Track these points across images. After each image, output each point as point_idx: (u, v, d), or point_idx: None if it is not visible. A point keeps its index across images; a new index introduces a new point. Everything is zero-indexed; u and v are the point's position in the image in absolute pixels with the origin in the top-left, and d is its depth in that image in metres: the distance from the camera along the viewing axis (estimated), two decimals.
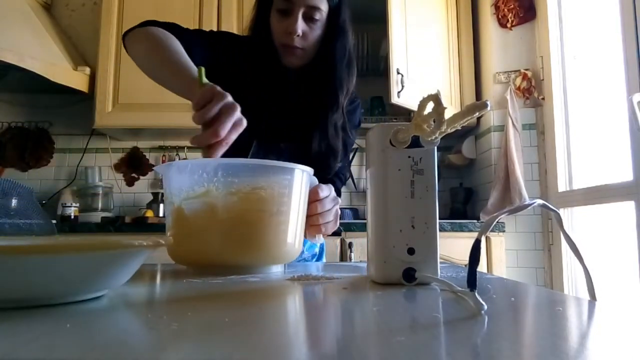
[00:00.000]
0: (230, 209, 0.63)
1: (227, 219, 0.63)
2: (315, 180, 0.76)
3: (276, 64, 0.96)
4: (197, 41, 0.95)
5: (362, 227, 2.02)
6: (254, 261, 0.65)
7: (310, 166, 0.81)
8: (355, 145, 2.00)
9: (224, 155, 0.66)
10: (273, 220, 0.65)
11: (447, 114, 0.45)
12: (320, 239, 0.84)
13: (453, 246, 2.02)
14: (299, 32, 0.90)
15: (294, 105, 1.00)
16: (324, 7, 0.92)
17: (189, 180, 0.64)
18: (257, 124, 0.94)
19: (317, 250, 1.11)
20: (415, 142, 0.52)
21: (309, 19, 0.91)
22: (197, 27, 2.46)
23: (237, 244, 0.63)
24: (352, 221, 1.99)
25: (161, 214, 2.37)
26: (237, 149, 0.89)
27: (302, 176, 0.68)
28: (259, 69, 0.96)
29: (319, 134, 0.97)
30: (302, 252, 1.03)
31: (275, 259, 0.67)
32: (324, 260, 1.17)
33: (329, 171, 1.01)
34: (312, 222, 0.79)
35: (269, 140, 0.98)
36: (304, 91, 0.99)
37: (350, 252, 1.99)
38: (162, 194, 2.16)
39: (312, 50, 0.95)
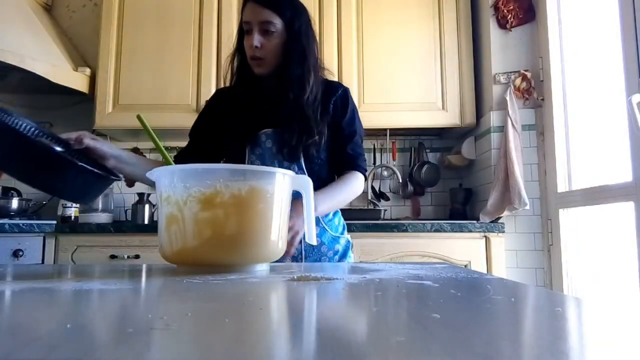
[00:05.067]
0: (213, 210, 0.65)
1: (211, 220, 0.65)
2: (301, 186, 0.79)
3: (252, 75, 1.15)
4: (198, 125, 1.27)
5: (362, 227, 2.02)
6: (238, 260, 0.68)
7: (289, 146, 1.10)
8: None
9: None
10: (256, 220, 0.67)
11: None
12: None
13: (453, 247, 2.02)
14: (256, 43, 1.09)
15: (273, 101, 1.16)
16: (277, 20, 1.10)
17: (170, 184, 0.68)
18: (252, 120, 1.18)
19: (339, 247, 1.20)
20: None
21: (265, 32, 1.10)
22: (197, 28, 2.47)
23: (221, 243, 0.66)
24: (352, 222, 1.99)
25: None
26: (244, 139, 1.17)
27: (283, 179, 0.72)
28: (242, 83, 1.19)
29: (293, 120, 1.12)
30: (319, 247, 1.17)
31: (259, 258, 0.70)
32: (351, 259, 1.25)
33: (308, 151, 1.15)
34: None
35: (263, 128, 1.17)
36: (278, 90, 1.15)
37: (351, 252, 1.99)
38: None
39: (273, 57, 1.12)
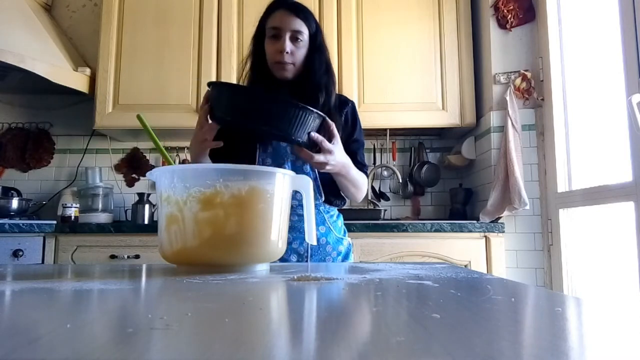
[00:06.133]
0: (213, 210, 0.66)
1: (211, 220, 0.66)
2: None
3: (271, 80, 1.20)
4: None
5: (362, 227, 2.02)
6: (238, 260, 0.68)
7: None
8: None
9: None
10: (256, 220, 0.68)
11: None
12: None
13: (453, 247, 2.02)
14: (288, 49, 1.16)
15: None
16: (305, 30, 1.18)
17: (169, 184, 0.68)
18: None
19: (342, 248, 1.26)
20: None
21: (294, 40, 1.17)
22: (197, 28, 2.47)
23: (221, 243, 0.66)
24: (352, 222, 1.99)
25: None
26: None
27: (283, 179, 0.72)
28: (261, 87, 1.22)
29: None
30: (324, 246, 1.22)
31: (259, 258, 0.70)
32: (351, 260, 1.31)
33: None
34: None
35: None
36: (302, 94, 1.18)
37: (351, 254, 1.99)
38: None
39: (299, 65, 1.19)
